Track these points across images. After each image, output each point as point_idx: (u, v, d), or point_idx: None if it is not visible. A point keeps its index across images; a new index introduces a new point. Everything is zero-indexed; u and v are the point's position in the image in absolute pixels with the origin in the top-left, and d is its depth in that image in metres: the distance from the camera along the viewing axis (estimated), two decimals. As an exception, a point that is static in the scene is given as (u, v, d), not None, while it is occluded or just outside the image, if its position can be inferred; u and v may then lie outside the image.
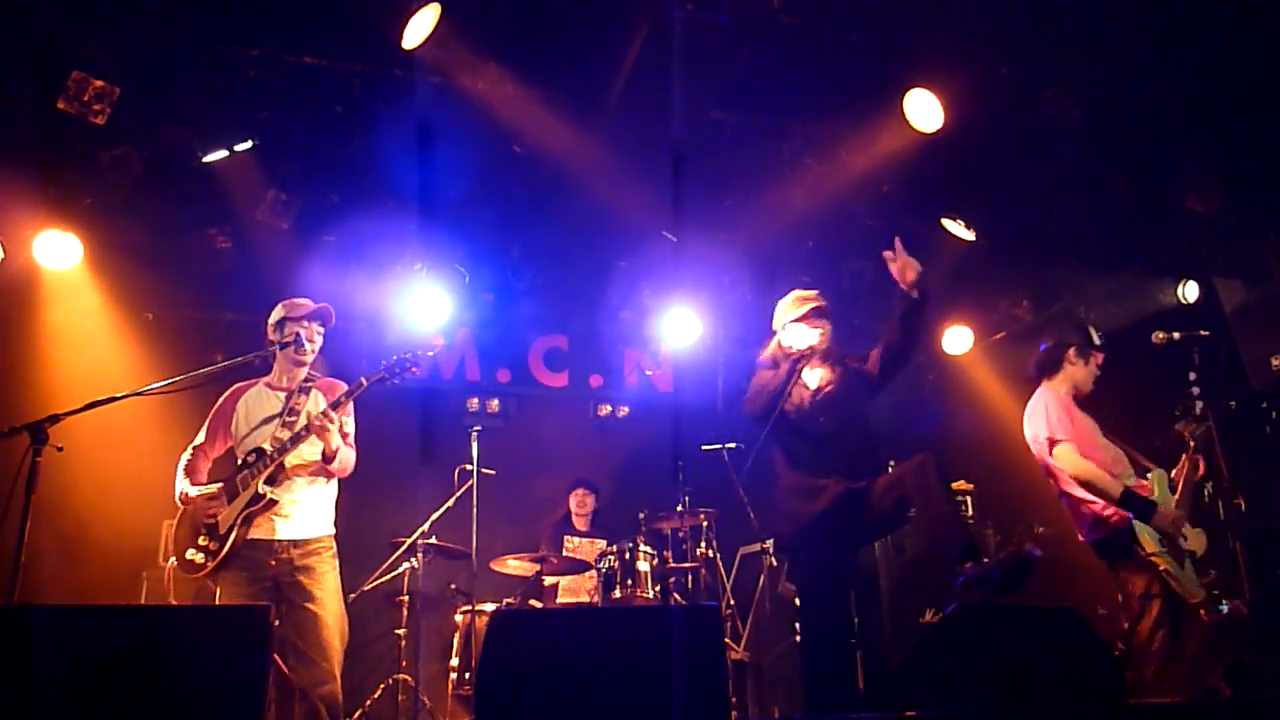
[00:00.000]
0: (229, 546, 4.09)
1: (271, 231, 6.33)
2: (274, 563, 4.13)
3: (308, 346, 4.37)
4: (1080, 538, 4.78)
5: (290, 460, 4.21)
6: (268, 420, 4.32)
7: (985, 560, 3.90)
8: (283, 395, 4.39)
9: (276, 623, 3.93)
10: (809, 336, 4.50)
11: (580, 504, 7.15)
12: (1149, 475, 4.73)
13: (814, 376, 4.54)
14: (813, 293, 4.66)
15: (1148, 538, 4.49)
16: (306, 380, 4.44)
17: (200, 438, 4.40)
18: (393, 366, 4.35)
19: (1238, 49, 5.18)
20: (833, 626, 4.24)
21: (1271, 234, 5.96)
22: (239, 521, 4.11)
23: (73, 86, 5.15)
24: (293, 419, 4.30)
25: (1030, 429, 4.83)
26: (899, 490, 4.13)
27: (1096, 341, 4.94)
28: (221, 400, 4.44)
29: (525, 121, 5.94)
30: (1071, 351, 4.90)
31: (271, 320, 4.44)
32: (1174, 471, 4.78)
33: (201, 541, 4.14)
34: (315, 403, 4.38)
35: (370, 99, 5.71)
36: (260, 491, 4.12)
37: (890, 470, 4.35)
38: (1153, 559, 4.46)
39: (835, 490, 4.26)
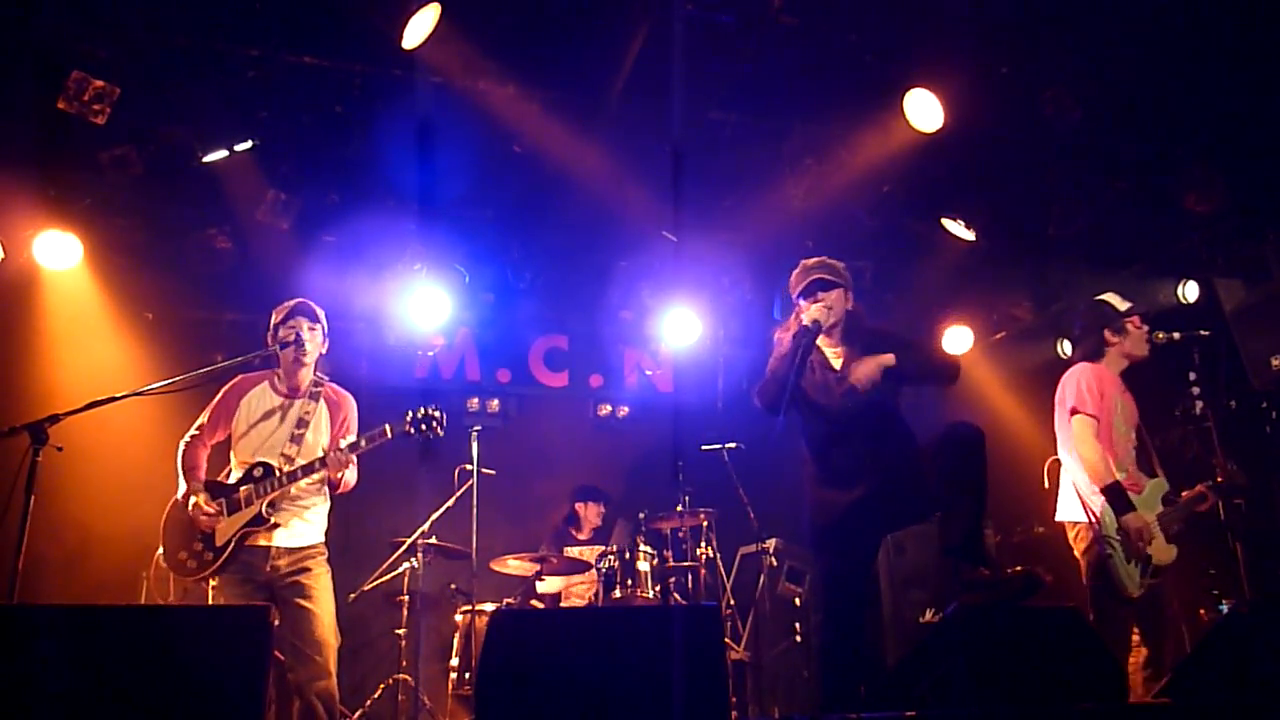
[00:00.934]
0: (224, 559, 4.10)
1: (271, 231, 6.32)
2: (268, 568, 4.14)
3: (308, 346, 4.35)
4: (1055, 514, 4.80)
5: (297, 487, 4.24)
6: (268, 417, 4.32)
7: (992, 571, 3.86)
8: (287, 400, 4.38)
9: (275, 622, 3.94)
10: (810, 312, 4.07)
11: (598, 514, 7.14)
12: (1150, 481, 4.72)
13: (835, 355, 4.18)
14: (814, 260, 4.22)
15: (1108, 520, 4.52)
16: (315, 385, 4.43)
17: (198, 427, 4.37)
18: (418, 422, 4.34)
19: (1238, 49, 5.18)
20: (856, 624, 4.04)
21: (1271, 234, 5.96)
22: (237, 537, 4.12)
23: (73, 86, 5.15)
24: (301, 431, 4.30)
25: (1062, 395, 4.80)
26: (933, 469, 3.89)
27: (1123, 307, 4.86)
28: (224, 392, 4.41)
29: (525, 121, 5.93)
30: (1107, 333, 4.83)
31: (269, 330, 4.46)
32: (1184, 492, 4.75)
33: (196, 547, 4.14)
34: (322, 415, 4.39)
35: (370, 99, 5.70)
36: (264, 514, 4.14)
37: (932, 444, 4.01)
38: (1106, 541, 4.47)
39: (868, 480, 3.97)
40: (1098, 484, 4.55)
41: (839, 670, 3.96)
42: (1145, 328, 4.85)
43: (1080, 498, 4.65)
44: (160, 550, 4.25)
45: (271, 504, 4.16)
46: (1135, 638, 4.55)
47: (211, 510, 4.14)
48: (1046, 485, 4.90)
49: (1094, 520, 4.55)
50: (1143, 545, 4.50)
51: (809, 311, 4.10)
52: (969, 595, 3.83)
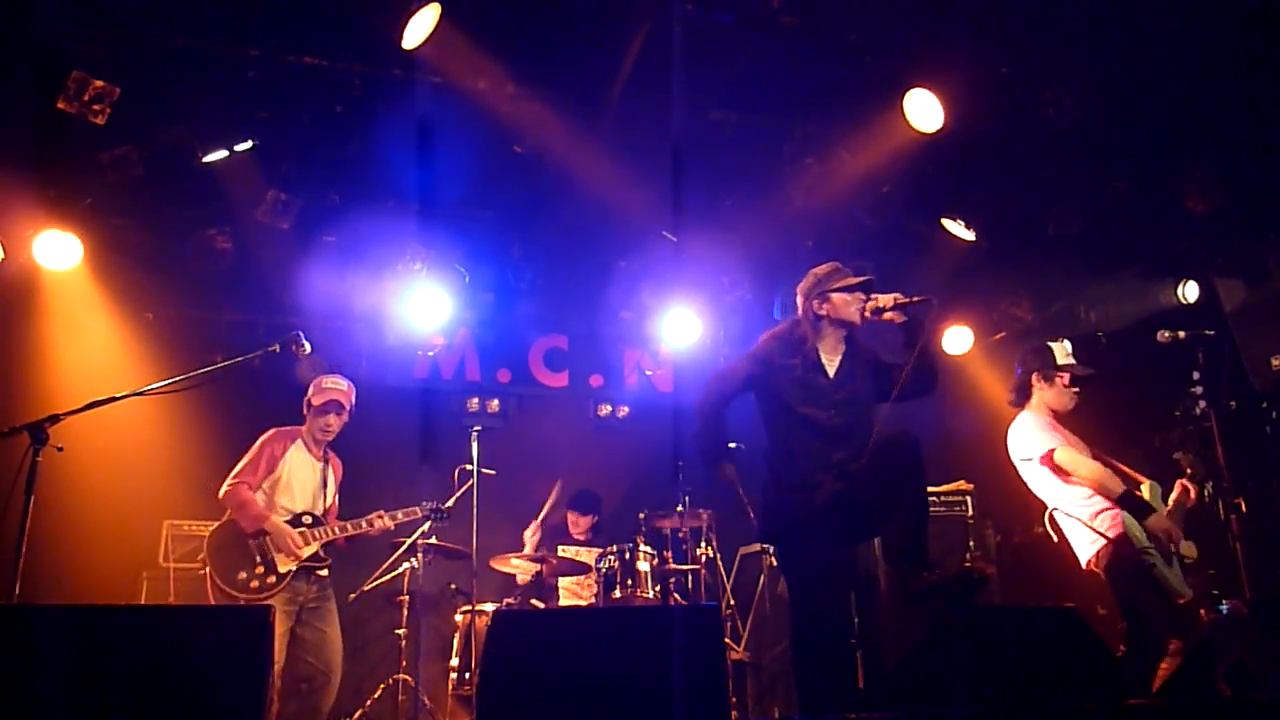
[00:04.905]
0: (284, 585, 4.83)
1: (271, 231, 6.32)
2: (306, 589, 4.91)
3: (335, 429, 5.16)
4: (1081, 563, 4.72)
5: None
6: (307, 473, 5.08)
7: (936, 573, 3.81)
8: (316, 461, 5.15)
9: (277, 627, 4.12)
10: (887, 297, 4.06)
11: (574, 524, 7.05)
12: (1141, 487, 4.71)
13: (830, 362, 4.13)
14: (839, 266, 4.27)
15: (1138, 534, 4.49)
16: (326, 450, 5.21)
17: (240, 473, 4.86)
18: (429, 514, 5.50)
19: (1238, 49, 5.19)
20: (825, 627, 3.93)
21: (1271, 234, 5.96)
22: (297, 570, 4.89)
23: (73, 86, 5.15)
24: (325, 490, 5.14)
25: (1022, 449, 4.78)
26: (882, 473, 3.82)
27: (1060, 361, 4.83)
28: (267, 443, 5.03)
29: (525, 121, 5.93)
30: (1034, 377, 4.84)
31: (306, 396, 5.16)
32: (1169, 497, 4.75)
33: (258, 570, 4.79)
34: (333, 477, 5.24)
35: (370, 99, 5.70)
36: (322, 555, 5.00)
37: (872, 444, 3.91)
38: (1144, 554, 4.46)
39: (832, 486, 3.89)
40: (1113, 496, 4.52)
41: (814, 674, 3.92)
42: (1068, 389, 4.80)
43: (1094, 526, 4.60)
44: (209, 570, 4.78)
45: (324, 546, 5.00)
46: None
47: (301, 542, 4.89)
48: (1055, 539, 4.83)
49: (1116, 538, 4.50)
50: (1173, 545, 4.49)
51: (884, 298, 4.09)
52: (916, 609, 3.80)
